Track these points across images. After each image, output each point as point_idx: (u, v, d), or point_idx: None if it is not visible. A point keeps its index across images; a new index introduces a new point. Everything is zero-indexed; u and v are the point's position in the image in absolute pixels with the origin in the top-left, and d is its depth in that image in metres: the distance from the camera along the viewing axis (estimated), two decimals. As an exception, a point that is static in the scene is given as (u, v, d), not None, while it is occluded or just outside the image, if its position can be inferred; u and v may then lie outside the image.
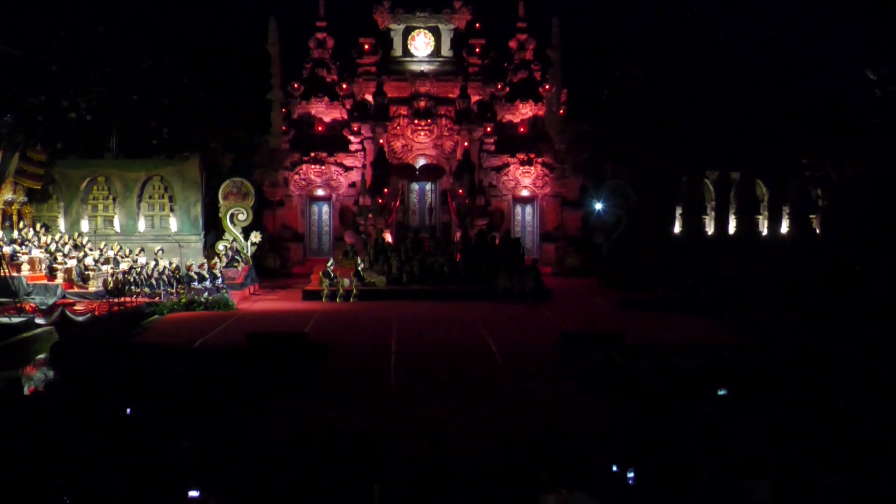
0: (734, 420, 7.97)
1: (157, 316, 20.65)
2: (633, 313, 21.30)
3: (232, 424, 8.72)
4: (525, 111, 33.46)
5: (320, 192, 32.60)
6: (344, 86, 33.36)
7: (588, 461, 7.18)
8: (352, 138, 32.54)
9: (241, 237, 28.42)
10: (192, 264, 24.80)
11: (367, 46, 33.30)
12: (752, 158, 30.38)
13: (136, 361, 14.56)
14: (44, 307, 21.00)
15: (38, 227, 26.96)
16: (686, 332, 18.17)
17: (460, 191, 30.97)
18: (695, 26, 32.33)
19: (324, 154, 32.34)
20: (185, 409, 9.51)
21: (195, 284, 23.33)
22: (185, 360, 14.52)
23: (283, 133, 32.00)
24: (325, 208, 32.94)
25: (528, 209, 33.19)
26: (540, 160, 32.36)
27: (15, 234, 25.38)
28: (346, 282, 23.92)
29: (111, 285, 22.98)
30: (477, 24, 33.71)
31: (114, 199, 29.04)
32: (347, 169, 32.54)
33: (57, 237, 26.30)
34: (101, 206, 29.04)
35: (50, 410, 8.99)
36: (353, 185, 32.30)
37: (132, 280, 22.94)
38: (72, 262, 24.35)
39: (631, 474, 6.58)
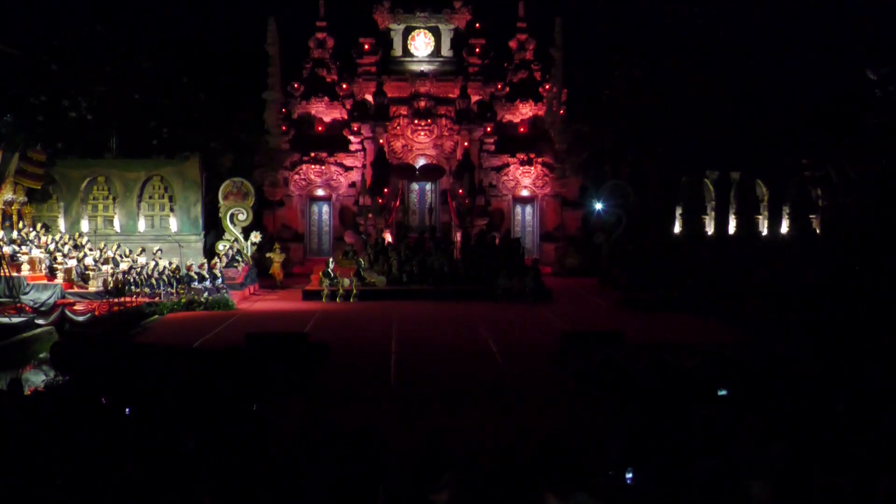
0: (734, 420, 7.96)
1: (157, 316, 20.66)
2: (632, 313, 21.30)
3: (232, 425, 8.71)
4: (525, 111, 33.48)
5: (320, 192, 32.62)
6: (344, 86, 33.38)
7: (588, 462, 7.18)
8: (352, 138, 32.56)
9: (241, 237, 28.44)
10: (192, 264, 24.82)
11: (367, 46, 33.32)
12: (752, 158, 30.39)
13: (136, 361, 14.55)
14: (43, 307, 21.01)
15: (38, 227, 26.97)
16: (686, 332, 18.17)
17: (460, 191, 30.98)
18: (695, 27, 32.37)
19: (324, 154, 32.36)
20: (185, 409, 9.50)
21: (195, 284, 23.34)
22: (185, 360, 14.51)
23: (283, 133, 32.03)
24: (325, 208, 32.96)
25: (528, 209, 33.20)
26: (540, 160, 32.38)
27: (15, 234, 25.38)
28: (346, 282, 23.93)
29: (111, 285, 22.98)
30: (477, 24, 33.75)
31: (114, 199, 29.07)
32: (347, 169, 32.56)
33: (57, 237, 26.31)
34: (101, 206, 29.07)
35: (50, 410, 8.98)
36: (353, 185, 32.31)
37: (132, 280, 22.95)
38: (72, 262, 24.35)
39: (630, 475, 6.58)
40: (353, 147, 32.63)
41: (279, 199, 32.26)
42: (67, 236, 26.87)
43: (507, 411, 12.53)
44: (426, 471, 6.78)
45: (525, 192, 32.75)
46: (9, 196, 26.14)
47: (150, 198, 29.25)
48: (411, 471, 6.89)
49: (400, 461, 7.25)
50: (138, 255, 26.17)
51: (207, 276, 23.91)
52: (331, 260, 25.73)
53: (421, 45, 34.01)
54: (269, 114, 31.89)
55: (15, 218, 26.60)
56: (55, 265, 24.21)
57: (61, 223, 28.60)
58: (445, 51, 33.96)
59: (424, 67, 33.35)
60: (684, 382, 13.89)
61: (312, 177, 32.33)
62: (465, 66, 33.24)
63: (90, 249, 25.85)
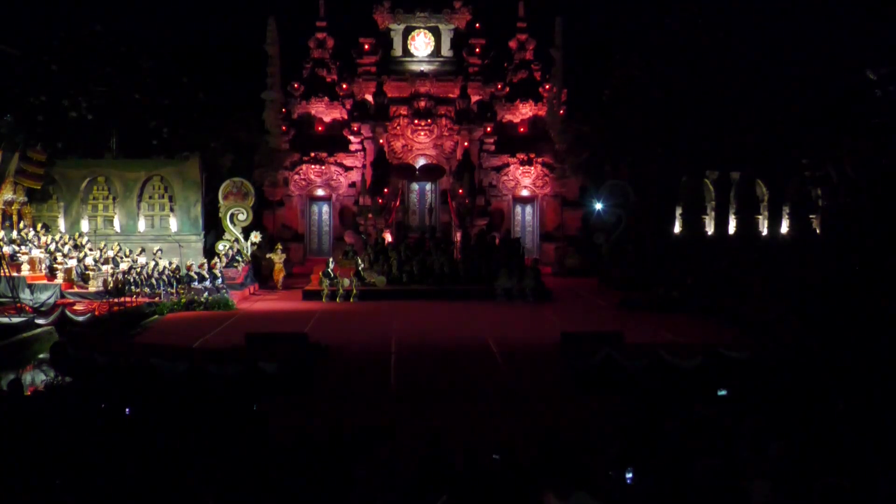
0: (734, 420, 7.97)
1: (157, 316, 20.68)
2: (633, 313, 21.31)
3: (231, 425, 8.72)
4: (525, 111, 33.49)
5: (320, 192, 32.62)
6: (344, 86, 33.38)
7: (588, 461, 7.19)
8: (352, 138, 32.55)
9: (241, 237, 28.43)
10: (192, 264, 24.83)
11: (367, 46, 33.33)
12: (752, 158, 30.36)
13: (136, 361, 14.56)
14: (43, 307, 21.00)
15: (38, 227, 26.98)
16: (686, 332, 18.16)
17: (460, 191, 30.97)
18: (695, 26, 32.34)
19: (324, 154, 32.36)
20: (185, 410, 9.51)
21: (195, 284, 23.34)
22: (186, 360, 14.51)
23: (282, 133, 32.03)
24: (325, 208, 32.96)
25: (528, 209, 33.20)
26: (540, 160, 32.38)
27: (15, 234, 25.39)
28: (346, 282, 23.93)
29: (111, 285, 22.98)
30: (477, 24, 33.75)
31: (114, 199, 29.07)
32: (347, 169, 32.55)
33: (57, 237, 26.31)
34: (101, 206, 29.07)
35: (50, 410, 8.98)
36: (353, 185, 32.31)
37: (132, 280, 22.95)
38: (72, 262, 24.36)
39: (630, 475, 6.58)
40: (353, 147, 32.63)
41: (279, 199, 32.26)
42: (67, 236, 26.87)
43: (506, 411, 12.54)
44: (426, 472, 6.78)
45: (525, 192, 32.75)
46: (9, 196, 26.15)
47: (150, 198, 29.25)
48: (411, 471, 6.89)
49: (399, 461, 7.25)
50: (138, 255, 26.18)
51: (207, 276, 23.92)
52: (331, 260, 25.73)
53: (421, 45, 34.01)
54: (269, 114, 31.88)
55: (15, 218, 26.61)
56: (55, 265, 24.22)
57: (61, 223, 28.60)
58: (445, 51, 33.96)
59: (424, 67, 33.34)
60: (684, 382, 13.92)
61: (312, 177, 32.33)
62: (465, 66, 33.24)
63: (90, 249, 25.86)
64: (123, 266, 24.42)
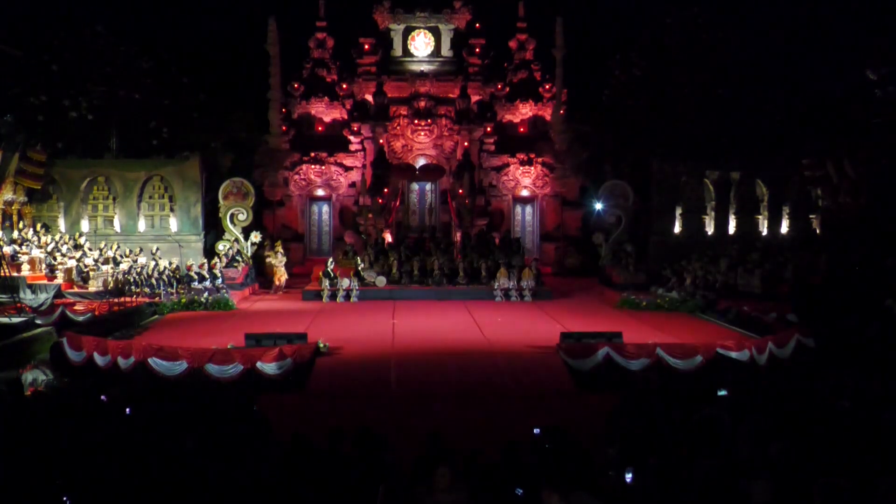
0: (734, 420, 7.97)
1: (157, 316, 20.67)
2: (632, 313, 21.34)
3: (232, 425, 8.71)
4: (525, 111, 33.48)
5: (320, 192, 32.62)
6: (344, 86, 33.39)
7: (588, 461, 7.19)
8: (352, 138, 32.55)
9: (241, 237, 28.43)
10: (192, 264, 24.83)
11: (367, 46, 33.34)
12: (752, 158, 30.35)
13: (136, 361, 14.55)
14: (43, 307, 20.98)
15: (38, 227, 26.98)
16: (686, 332, 18.19)
17: (460, 191, 30.97)
18: (695, 26, 32.35)
19: (324, 154, 32.36)
20: (185, 410, 9.50)
21: (195, 284, 23.34)
22: (186, 360, 14.50)
23: (282, 133, 32.03)
24: (325, 208, 32.96)
25: (528, 209, 33.20)
26: (540, 160, 32.38)
27: (15, 234, 25.38)
28: (346, 282, 23.93)
29: (111, 285, 22.97)
30: (477, 24, 33.77)
31: (114, 199, 29.06)
32: (347, 169, 32.56)
33: (57, 237, 26.31)
34: (101, 206, 29.05)
35: (50, 410, 8.99)
36: (353, 185, 32.32)
37: (132, 280, 22.94)
38: (72, 262, 24.35)
39: (630, 475, 6.58)
40: (353, 147, 32.63)
41: (279, 199, 32.26)
42: (67, 236, 26.87)
43: (507, 411, 12.53)
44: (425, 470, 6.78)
45: (525, 192, 32.74)
46: (9, 196, 26.13)
47: (150, 198, 29.24)
48: (411, 471, 6.89)
49: (400, 461, 7.25)
50: (138, 255, 26.17)
51: (207, 276, 23.92)
52: (331, 260, 25.75)
53: (421, 45, 34.02)
54: (270, 113, 31.90)
55: (15, 218, 26.59)
56: (55, 265, 24.21)
57: (61, 223, 28.58)
58: (445, 51, 33.96)
59: (424, 67, 33.34)
60: (684, 382, 13.92)
61: (312, 177, 32.33)
62: (465, 66, 33.24)
63: (90, 249, 25.85)
64: (123, 266, 24.41)
